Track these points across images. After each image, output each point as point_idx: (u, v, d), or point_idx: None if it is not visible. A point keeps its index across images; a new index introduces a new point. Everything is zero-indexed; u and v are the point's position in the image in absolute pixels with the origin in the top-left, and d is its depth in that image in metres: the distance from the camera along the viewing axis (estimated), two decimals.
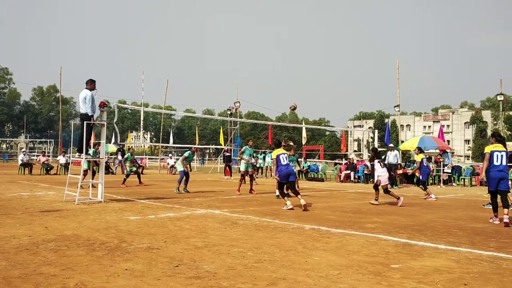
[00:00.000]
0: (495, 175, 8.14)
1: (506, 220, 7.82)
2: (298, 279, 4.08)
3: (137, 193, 12.89)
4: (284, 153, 10.23)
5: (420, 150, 13.87)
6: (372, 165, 11.41)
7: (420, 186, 13.86)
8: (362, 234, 6.62)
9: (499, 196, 8.17)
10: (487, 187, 14.37)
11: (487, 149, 8.39)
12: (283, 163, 10.08)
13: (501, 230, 7.26)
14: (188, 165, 13.88)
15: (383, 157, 20.12)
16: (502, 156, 8.17)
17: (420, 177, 13.49)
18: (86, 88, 10.20)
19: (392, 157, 18.39)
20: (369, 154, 25.18)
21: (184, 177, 13.44)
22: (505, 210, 7.98)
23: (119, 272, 4.20)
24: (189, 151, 13.93)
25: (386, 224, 7.64)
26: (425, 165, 13.34)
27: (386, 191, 11.01)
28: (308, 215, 8.71)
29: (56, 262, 4.53)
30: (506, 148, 8.43)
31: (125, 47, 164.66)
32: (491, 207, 8.44)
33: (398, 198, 10.78)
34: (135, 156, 16.90)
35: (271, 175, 18.58)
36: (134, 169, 16.76)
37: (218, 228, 6.91)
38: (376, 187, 11.23)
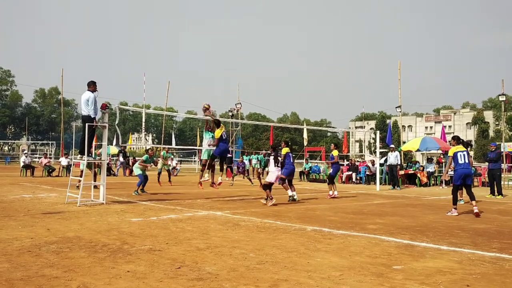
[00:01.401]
0: (461, 172, 9.40)
1: (476, 210, 9.07)
2: (300, 281, 4.08)
3: (139, 195, 12.89)
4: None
5: (335, 146, 14.19)
6: (267, 160, 11.33)
7: (327, 180, 14.02)
8: (364, 235, 6.61)
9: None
10: (489, 187, 14.50)
11: (451, 152, 9.71)
12: (223, 138, 11.09)
13: (503, 231, 7.25)
14: (147, 167, 13.86)
15: (384, 158, 20.18)
16: (464, 155, 9.47)
17: (332, 171, 13.66)
18: (88, 90, 10.21)
19: (393, 157, 18.39)
20: (370, 155, 25.11)
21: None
22: (473, 202, 9.22)
23: (121, 274, 4.21)
24: (147, 155, 14.13)
25: (388, 225, 7.64)
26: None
27: (265, 187, 10.71)
28: (310, 217, 8.70)
29: (58, 264, 4.54)
30: (467, 149, 9.78)
31: (127, 48, 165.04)
32: (457, 203, 9.73)
33: (271, 199, 10.47)
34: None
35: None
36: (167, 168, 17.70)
37: (220, 229, 6.91)
38: (266, 186, 10.75)
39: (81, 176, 13.03)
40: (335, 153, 13.52)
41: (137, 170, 13.68)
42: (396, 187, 17.82)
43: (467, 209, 10.51)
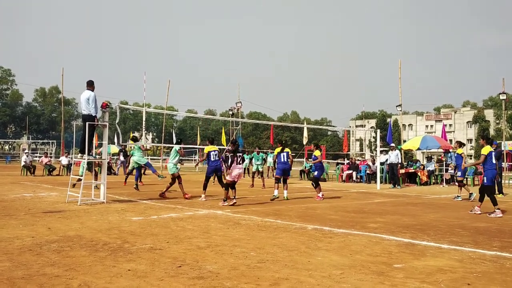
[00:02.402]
0: (495, 172, 9.36)
1: (478, 212, 9.15)
2: (301, 279, 4.08)
3: (139, 193, 12.91)
4: (214, 151, 11.38)
5: (316, 146, 13.51)
6: (227, 157, 10.42)
7: (312, 183, 13.02)
8: (365, 234, 6.61)
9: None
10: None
11: (486, 151, 9.36)
12: (212, 159, 11.34)
13: (504, 230, 7.25)
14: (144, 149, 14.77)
15: (385, 156, 20.17)
16: (494, 155, 9.47)
17: (316, 173, 12.82)
18: (87, 89, 10.23)
19: (394, 156, 18.36)
20: (372, 154, 25.09)
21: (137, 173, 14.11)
22: (479, 203, 9.30)
23: (122, 272, 4.21)
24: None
25: (389, 224, 7.64)
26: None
27: (227, 186, 10.11)
28: (311, 215, 8.71)
29: (59, 262, 4.54)
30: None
31: (127, 47, 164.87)
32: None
33: (225, 200, 9.99)
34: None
35: (272, 175, 18.58)
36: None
37: (221, 228, 6.91)
38: (227, 186, 10.16)
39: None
40: (317, 153, 12.85)
41: (141, 160, 14.05)
42: (396, 186, 17.81)
43: (469, 207, 10.52)
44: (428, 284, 3.99)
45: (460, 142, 12.99)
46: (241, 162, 10.34)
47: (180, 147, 12.81)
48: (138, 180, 15.07)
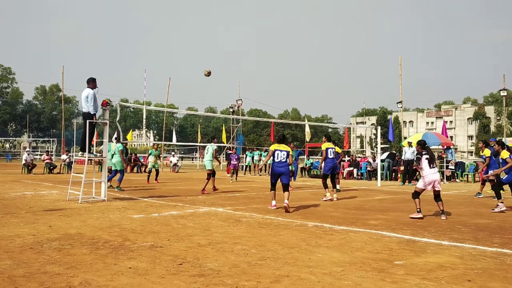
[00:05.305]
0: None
1: (504, 208, 9.14)
2: (301, 276, 4.08)
3: (140, 191, 12.93)
4: (332, 148, 11.26)
5: (327, 138, 12.29)
6: (418, 159, 8.41)
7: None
8: (366, 231, 6.61)
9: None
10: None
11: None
12: (329, 156, 11.22)
13: (505, 226, 7.25)
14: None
15: (385, 153, 20.14)
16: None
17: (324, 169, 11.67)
18: (87, 87, 10.22)
19: (409, 153, 18.14)
20: (372, 151, 24.97)
21: (119, 175, 13.54)
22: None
23: (123, 270, 4.22)
24: (121, 145, 13.76)
25: (389, 221, 7.64)
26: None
27: (415, 194, 8.40)
28: (312, 212, 8.71)
29: (60, 260, 4.55)
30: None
31: (127, 45, 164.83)
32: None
33: (419, 211, 8.12)
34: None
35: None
36: (157, 166, 17.40)
37: (222, 225, 6.92)
38: (414, 194, 8.48)
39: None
40: (323, 146, 11.56)
41: (121, 164, 13.56)
42: (408, 183, 17.55)
43: (469, 204, 10.52)
44: (428, 281, 3.99)
45: (485, 142, 12.37)
46: (434, 166, 8.25)
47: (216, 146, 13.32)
48: (147, 181, 16.42)
